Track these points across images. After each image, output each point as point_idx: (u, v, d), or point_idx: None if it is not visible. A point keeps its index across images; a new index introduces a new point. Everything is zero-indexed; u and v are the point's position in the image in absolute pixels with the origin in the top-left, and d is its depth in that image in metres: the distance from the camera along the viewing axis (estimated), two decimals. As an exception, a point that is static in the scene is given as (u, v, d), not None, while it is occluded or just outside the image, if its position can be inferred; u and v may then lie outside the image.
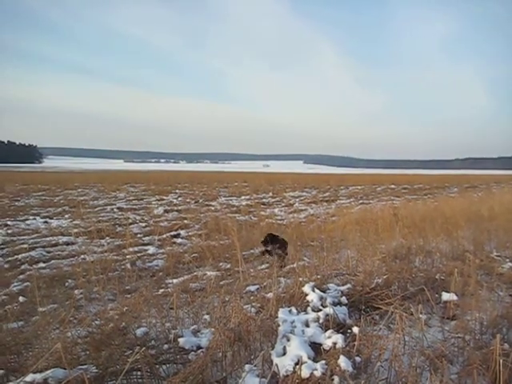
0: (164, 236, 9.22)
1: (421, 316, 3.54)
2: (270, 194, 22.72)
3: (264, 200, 19.12)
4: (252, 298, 4.54)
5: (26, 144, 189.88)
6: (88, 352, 3.07)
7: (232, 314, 3.59)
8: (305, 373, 2.80)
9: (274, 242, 6.58)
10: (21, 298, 5.20)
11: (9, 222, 11.86)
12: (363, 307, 4.16)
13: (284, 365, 2.88)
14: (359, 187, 30.43)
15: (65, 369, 2.62)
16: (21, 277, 6.35)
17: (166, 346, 3.23)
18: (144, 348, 2.83)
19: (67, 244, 8.68)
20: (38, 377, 2.56)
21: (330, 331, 3.33)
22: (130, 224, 11.39)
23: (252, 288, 5.12)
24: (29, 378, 2.51)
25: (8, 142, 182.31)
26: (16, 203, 17.36)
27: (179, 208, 15.31)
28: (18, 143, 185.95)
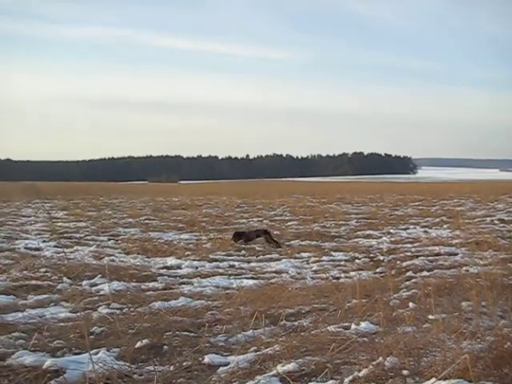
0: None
1: None
2: None
3: None
4: None
5: (401, 156, 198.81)
6: (489, 368, 3.00)
7: None
8: None
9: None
10: (410, 304, 5.41)
11: (391, 230, 12.57)
12: None
13: None
14: None
15: (470, 381, 2.63)
16: (407, 283, 6.62)
17: None
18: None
19: (449, 254, 8.69)
20: (443, 384, 2.63)
21: None
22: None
23: None
24: (436, 383, 2.60)
25: (385, 154, 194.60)
26: (395, 212, 18.28)
27: None
28: (393, 155, 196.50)
